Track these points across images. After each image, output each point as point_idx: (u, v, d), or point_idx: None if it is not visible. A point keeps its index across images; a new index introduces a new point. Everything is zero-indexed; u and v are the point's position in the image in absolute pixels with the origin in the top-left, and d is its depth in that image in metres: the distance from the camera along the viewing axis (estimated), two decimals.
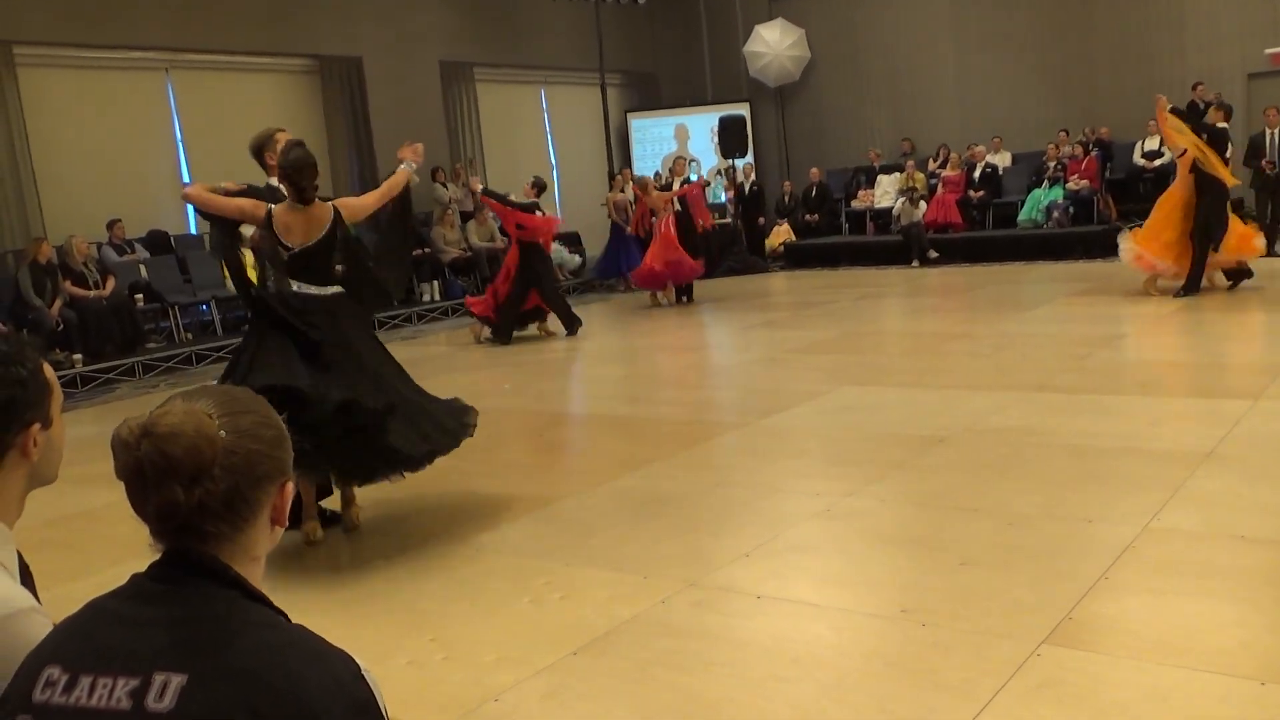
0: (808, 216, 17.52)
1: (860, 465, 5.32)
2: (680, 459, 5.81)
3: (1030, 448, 5.39)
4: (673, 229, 12.89)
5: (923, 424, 6.03)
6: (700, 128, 19.22)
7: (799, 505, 4.78)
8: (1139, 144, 15.48)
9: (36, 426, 1.57)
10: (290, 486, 1.35)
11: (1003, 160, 16.57)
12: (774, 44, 18.74)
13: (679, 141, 19.43)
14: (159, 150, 13.45)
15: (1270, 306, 9.61)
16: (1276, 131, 12.66)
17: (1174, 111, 9.89)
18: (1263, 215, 12.84)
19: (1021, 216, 15.56)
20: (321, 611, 3.80)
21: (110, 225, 12.22)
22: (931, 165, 16.73)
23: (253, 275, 5.14)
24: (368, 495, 5.56)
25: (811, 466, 5.57)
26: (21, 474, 1.59)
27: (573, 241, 16.55)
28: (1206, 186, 9.54)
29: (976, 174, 16.26)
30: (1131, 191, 15.52)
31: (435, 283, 14.43)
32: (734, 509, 4.83)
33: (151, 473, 1.22)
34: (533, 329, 11.24)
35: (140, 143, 13.21)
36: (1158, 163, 15.27)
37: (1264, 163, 12.60)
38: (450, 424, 4.98)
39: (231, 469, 1.25)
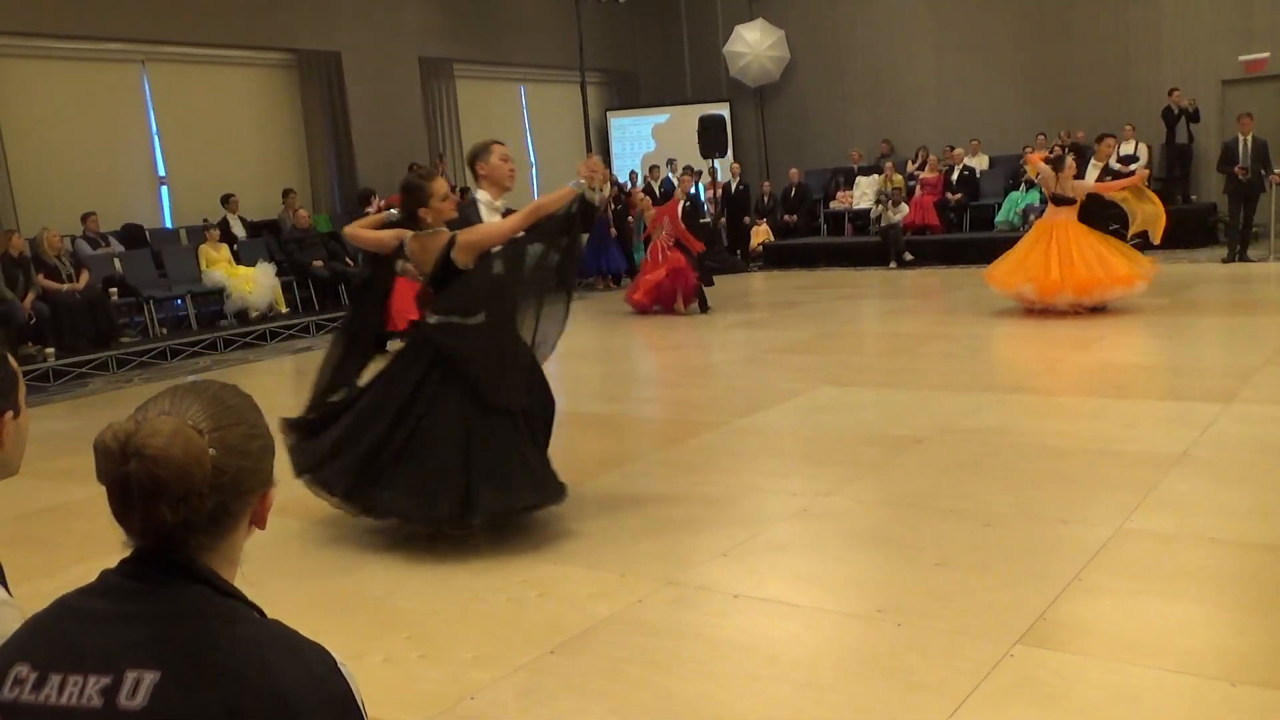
0: (786, 217, 17.55)
1: (837, 465, 5.34)
2: (658, 458, 5.81)
3: (1006, 449, 5.42)
4: (663, 252, 11.92)
5: (899, 424, 6.06)
6: (680, 127, 19.18)
7: (776, 505, 4.79)
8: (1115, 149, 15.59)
9: (9, 415, 1.56)
10: (273, 493, 1.34)
11: (980, 163, 16.67)
12: (754, 44, 18.77)
13: (658, 141, 19.42)
14: (134, 143, 13.34)
15: (1242, 311, 9.72)
16: (1249, 138, 12.77)
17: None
18: (1235, 221, 12.96)
19: (998, 219, 15.65)
20: (296, 608, 3.77)
21: (84, 218, 12.11)
22: (910, 167, 16.81)
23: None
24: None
25: (789, 466, 5.59)
26: None
27: None
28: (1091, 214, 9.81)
29: (954, 176, 16.35)
30: None
31: None
32: (711, 508, 4.83)
33: (139, 492, 1.19)
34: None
35: (115, 135, 13.09)
36: (1133, 167, 15.38)
37: (1236, 169, 12.72)
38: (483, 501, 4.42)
39: (219, 488, 1.23)
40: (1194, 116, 14.91)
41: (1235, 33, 15.37)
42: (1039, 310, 9.52)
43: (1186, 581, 3.62)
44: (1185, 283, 11.23)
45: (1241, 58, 15.36)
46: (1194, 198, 15.54)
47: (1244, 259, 12.70)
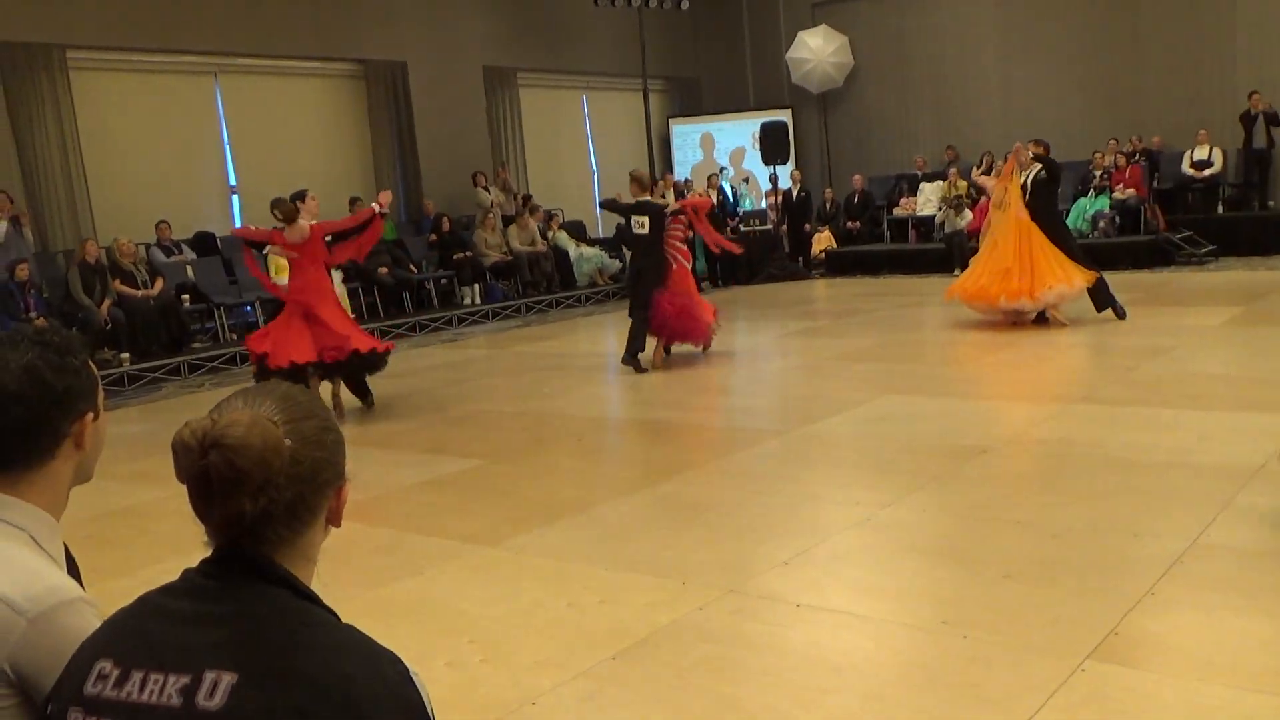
0: (849, 224, 17.43)
1: (900, 475, 5.27)
2: (720, 466, 5.79)
3: (1075, 460, 5.32)
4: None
5: (964, 434, 5.97)
6: (730, 136, 19.21)
7: (838, 514, 4.75)
8: (1188, 153, 15.27)
9: (89, 416, 1.60)
10: (346, 489, 1.36)
11: None
12: (817, 50, 18.68)
13: (705, 150, 19.43)
14: (206, 153, 13.64)
15: None
16: None
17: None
18: None
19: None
20: (362, 611, 3.81)
21: (158, 226, 12.41)
22: (975, 174, 16.57)
23: None
24: (403, 496, 5.59)
25: (851, 475, 5.53)
26: (72, 465, 1.61)
27: (612, 246, 16.60)
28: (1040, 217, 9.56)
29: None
30: (1180, 201, 15.31)
31: (476, 286, 14.52)
32: (773, 517, 4.80)
33: (219, 483, 1.22)
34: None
35: (188, 145, 13.39)
36: (1207, 172, 15.06)
37: None
38: None
39: (296, 478, 1.25)
40: (1274, 120, 14.53)
41: None
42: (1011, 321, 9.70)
43: (1265, 598, 3.52)
44: (1262, 291, 10.94)
45: None
46: (1271, 204, 15.15)
47: None
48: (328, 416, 1.34)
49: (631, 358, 8.97)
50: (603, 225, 18.28)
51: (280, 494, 1.24)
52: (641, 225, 9.01)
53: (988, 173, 16.16)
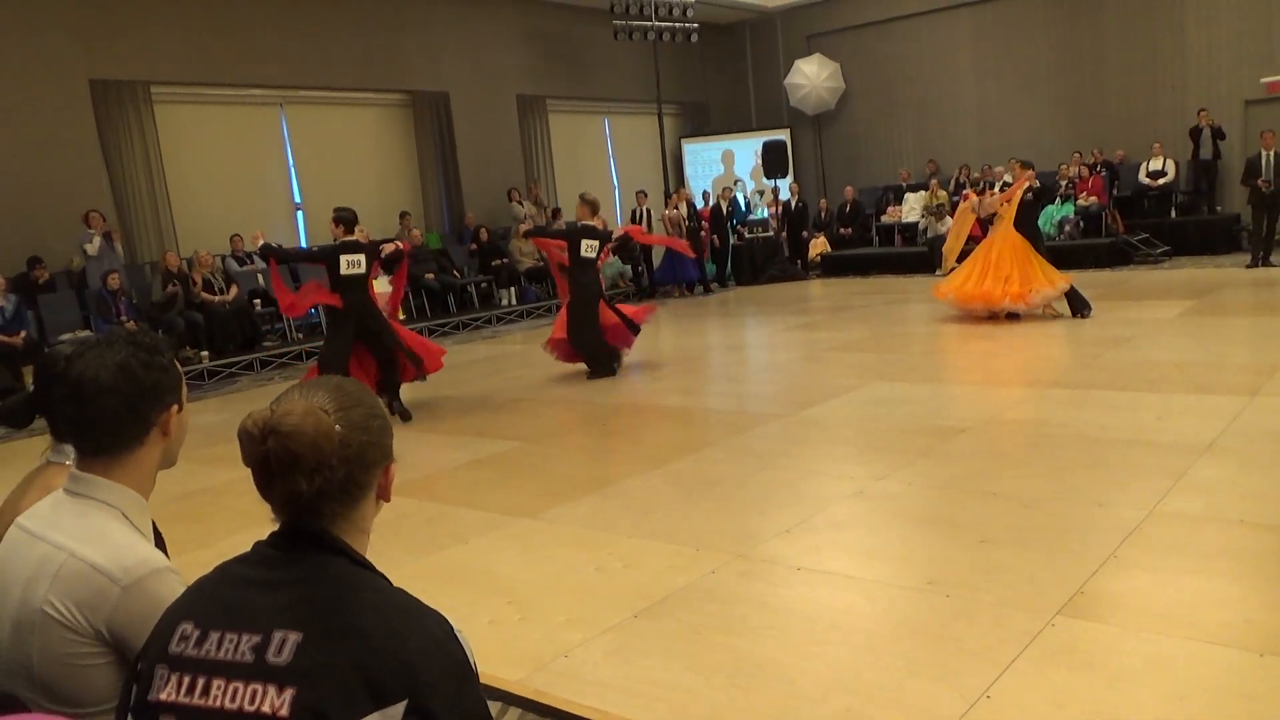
0: (842, 230, 17.36)
1: (890, 452, 5.25)
2: (728, 445, 5.78)
3: (1045, 438, 5.28)
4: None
5: (946, 416, 5.94)
6: (744, 152, 19.18)
7: (835, 487, 4.73)
8: (1144, 164, 15.15)
9: (175, 407, 1.61)
10: (393, 468, 1.37)
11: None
12: (812, 76, 18.59)
13: (725, 165, 19.38)
14: (274, 175, 13.69)
15: (1266, 312, 9.33)
16: (1272, 153, 12.26)
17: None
18: (1258, 230, 12.47)
19: None
20: (414, 575, 3.84)
21: (232, 239, 12.46)
22: (951, 185, 16.49)
23: None
24: (450, 474, 5.61)
25: (846, 453, 5.51)
26: (159, 451, 1.62)
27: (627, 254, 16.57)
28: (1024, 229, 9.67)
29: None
30: (1137, 207, 15.18)
31: (512, 289, 14.54)
32: (776, 490, 4.79)
33: (277, 466, 1.23)
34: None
35: (258, 168, 13.45)
36: (1161, 181, 14.92)
37: (1260, 181, 12.23)
38: None
39: (346, 459, 1.26)
40: (1220, 134, 14.39)
41: (1257, 57, 14.82)
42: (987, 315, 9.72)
43: (1216, 559, 3.49)
44: (1212, 286, 10.84)
45: (1264, 79, 14.79)
46: (1219, 208, 15.00)
47: (1267, 264, 12.21)
48: (375, 404, 1.35)
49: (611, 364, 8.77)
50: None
51: (333, 473, 1.25)
52: (592, 249, 8.59)
53: (964, 183, 16.10)
